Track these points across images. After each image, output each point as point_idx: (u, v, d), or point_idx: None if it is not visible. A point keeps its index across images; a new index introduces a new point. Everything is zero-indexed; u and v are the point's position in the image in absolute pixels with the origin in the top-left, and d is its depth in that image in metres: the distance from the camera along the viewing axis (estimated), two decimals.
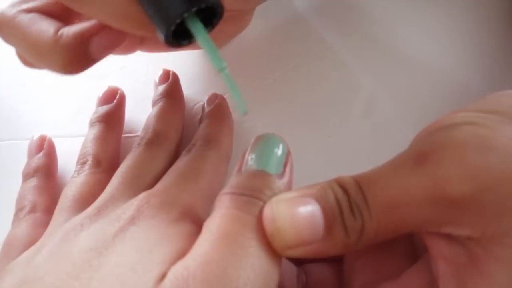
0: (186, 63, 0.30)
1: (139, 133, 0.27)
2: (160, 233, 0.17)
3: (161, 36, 0.16)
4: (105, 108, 0.26)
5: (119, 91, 0.27)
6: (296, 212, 0.15)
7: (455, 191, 0.14)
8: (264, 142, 0.18)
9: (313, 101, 0.28)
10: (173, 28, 0.16)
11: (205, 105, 0.26)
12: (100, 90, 0.28)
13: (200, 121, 0.26)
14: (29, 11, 0.19)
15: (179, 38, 0.17)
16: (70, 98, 0.29)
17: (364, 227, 0.15)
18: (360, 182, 0.15)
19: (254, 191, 0.16)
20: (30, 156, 0.25)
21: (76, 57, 0.19)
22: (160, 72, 0.28)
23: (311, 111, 0.28)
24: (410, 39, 0.30)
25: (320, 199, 0.15)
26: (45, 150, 0.25)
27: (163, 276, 0.15)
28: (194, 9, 0.16)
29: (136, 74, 0.30)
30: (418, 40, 0.30)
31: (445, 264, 0.15)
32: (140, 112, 0.28)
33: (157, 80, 0.27)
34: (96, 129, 0.25)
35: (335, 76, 0.29)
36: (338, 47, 0.30)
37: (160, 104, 0.25)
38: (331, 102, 0.28)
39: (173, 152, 0.24)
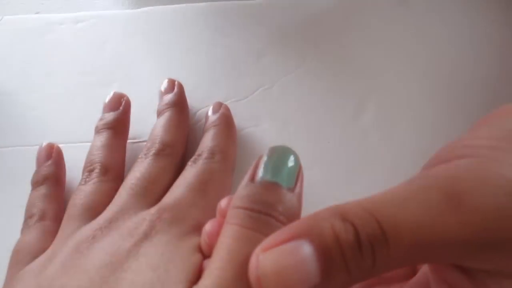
0: (188, 71, 0.31)
1: (142, 139, 0.28)
2: (173, 249, 0.18)
3: None
4: (112, 115, 0.26)
5: (124, 98, 0.28)
6: (283, 266, 0.14)
7: (489, 238, 0.14)
8: (277, 154, 0.18)
9: (311, 106, 0.29)
10: None
11: (209, 113, 0.27)
12: (106, 96, 0.28)
13: (204, 130, 0.26)
14: None
15: None
16: (76, 105, 0.30)
17: (375, 265, 0.14)
18: (378, 218, 0.14)
19: (268, 207, 0.16)
20: (39, 164, 0.25)
21: None
22: (165, 81, 0.28)
23: (309, 116, 0.29)
24: (407, 43, 0.31)
25: (314, 239, 0.14)
26: (53, 158, 0.25)
27: None
28: None
29: (139, 81, 0.31)
30: (416, 44, 0.31)
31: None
32: (143, 118, 0.28)
33: (162, 89, 0.28)
34: (103, 136, 0.25)
35: (334, 81, 0.30)
36: (339, 52, 0.31)
37: (166, 114, 0.26)
38: (329, 107, 0.29)
39: (180, 163, 0.25)
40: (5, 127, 0.29)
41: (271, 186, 0.16)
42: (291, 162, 0.17)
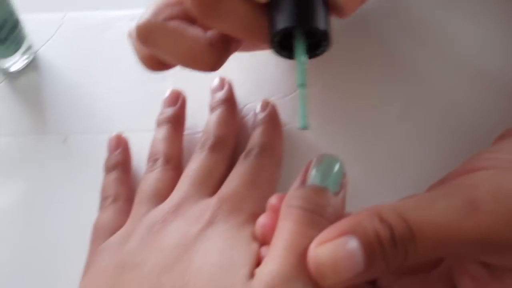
0: (235, 68, 0.33)
1: (197, 131, 0.31)
2: (234, 236, 0.21)
3: (270, 44, 0.19)
4: (171, 110, 0.30)
5: (181, 94, 0.31)
6: (337, 257, 0.17)
7: (502, 239, 0.17)
8: (326, 162, 0.21)
9: (352, 106, 0.31)
10: (282, 27, 0.18)
11: (258, 110, 0.30)
12: (161, 90, 0.31)
13: (254, 126, 0.29)
14: (171, 18, 0.22)
15: (283, 49, 0.20)
16: (135, 98, 0.33)
17: (406, 257, 0.17)
18: (408, 220, 0.17)
19: (319, 207, 0.19)
20: (110, 151, 0.29)
21: (222, 57, 0.22)
22: (216, 79, 0.31)
23: (350, 114, 0.31)
24: (451, 47, 0.33)
25: (360, 235, 0.17)
26: (122, 147, 0.29)
27: (250, 276, 0.19)
28: (304, 26, 0.18)
29: (191, 76, 0.34)
30: (460, 48, 0.33)
31: (469, 279, 0.19)
32: (196, 112, 0.32)
33: (213, 86, 0.31)
34: (164, 130, 0.29)
35: (378, 83, 0.32)
36: (379, 52, 0.33)
37: (219, 110, 0.29)
38: (370, 106, 0.31)
39: (231, 154, 0.28)
40: (73, 117, 0.33)
41: (320, 190, 0.20)
42: (337, 170, 0.21)
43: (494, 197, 0.17)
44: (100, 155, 0.30)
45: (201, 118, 0.31)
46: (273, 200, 0.22)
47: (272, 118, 0.28)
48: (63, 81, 0.35)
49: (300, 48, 0.19)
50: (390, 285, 0.21)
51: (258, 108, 0.30)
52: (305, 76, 0.19)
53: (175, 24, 0.22)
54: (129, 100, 0.33)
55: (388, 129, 0.30)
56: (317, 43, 0.20)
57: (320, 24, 0.19)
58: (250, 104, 0.32)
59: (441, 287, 0.20)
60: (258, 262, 0.20)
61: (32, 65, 0.35)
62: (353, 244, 0.17)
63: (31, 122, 0.33)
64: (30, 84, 0.35)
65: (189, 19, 0.22)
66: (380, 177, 0.29)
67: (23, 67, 0.35)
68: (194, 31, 0.22)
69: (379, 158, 0.30)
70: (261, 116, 0.29)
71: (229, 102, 0.30)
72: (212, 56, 0.22)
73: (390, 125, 0.30)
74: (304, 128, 0.20)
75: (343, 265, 0.17)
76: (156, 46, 0.22)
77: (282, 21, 0.18)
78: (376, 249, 0.17)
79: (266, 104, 0.30)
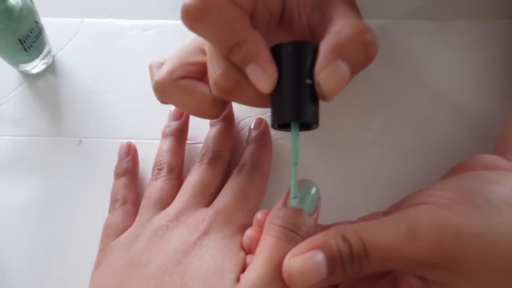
0: None
1: (197, 141, 0.35)
2: (226, 245, 0.25)
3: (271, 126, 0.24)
4: (176, 124, 0.34)
5: None
6: (306, 267, 0.22)
7: (433, 261, 0.21)
8: (305, 186, 0.25)
9: (329, 126, 0.34)
10: (282, 122, 0.24)
11: (252, 126, 0.34)
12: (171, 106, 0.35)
13: (247, 142, 0.33)
14: (184, 77, 0.27)
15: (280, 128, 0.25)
16: (144, 107, 0.37)
17: (360, 269, 0.22)
18: (364, 240, 0.22)
19: (295, 227, 0.24)
20: (120, 158, 0.33)
21: (224, 109, 0.28)
22: None
23: (328, 136, 0.35)
24: (430, 76, 0.36)
25: (325, 251, 0.22)
26: (131, 154, 0.33)
27: (236, 281, 0.23)
28: (299, 121, 0.23)
29: None
30: (438, 78, 0.36)
31: (407, 287, 0.23)
32: (197, 124, 0.35)
33: None
34: (168, 142, 0.33)
35: (354, 105, 0.35)
36: (359, 76, 0.37)
37: (217, 127, 0.33)
38: (347, 130, 0.35)
39: (227, 168, 0.32)
40: (87, 121, 0.37)
41: (298, 212, 0.24)
42: (313, 193, 0.25)
43: (430, 227, 0.22)
44: (110, 158, 0.34)
45: (202, 129, 0.35)
46: (259, 215, 0.26)
47: (263, 137, 0.32)
48: (79, 86, 0.38)
49: (295, 136, 0.24)
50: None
51: (252, 124, 0.34)
52: (297, 156, 0.24)
53: (186, 82, 0.27)
54: (138, 109, 0.37)
55: (363, 151, 0.34)
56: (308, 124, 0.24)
57: (312, 118, 0.23)
58: (246, 120, 0.36)
59: None
60: (243, 268, 0.25)
61: (51, 69, 0.39)
62: (319, 257, 0.22)
63: (49, 124, 0.37)
64: (48, 87, 0.38)
65: (199, 77, 0.27)
66: (355, 194, 0.33)
67: (43, 70, 0.38)
68: (202, 88, 0.27)
69: (355, 177, 0.34)
70: (254, 133, 0.33)
71: (227, 119, 0.33)
72: (215, 109, 0.27)
73: (365, 147, 0.34)
74: (295, 197, 0.25)
75: (310, 273, 0.22)
76: (170, 100, 0.28)
77: (282, 116, 0.23)
78: (337, 261, 0.22)
79: (259, 122, 0.33)
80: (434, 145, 0.34)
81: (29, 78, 0.38)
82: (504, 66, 0.36)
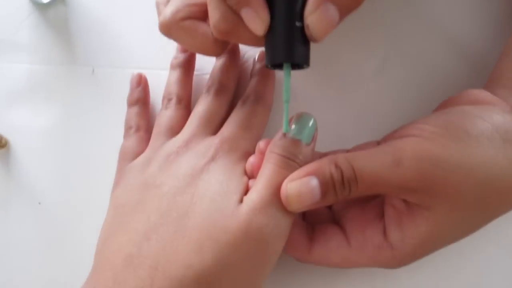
0: None
1: (204, 72, 0.37)
2: (230, 170, 0.28)
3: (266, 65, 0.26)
4: (184, 55, 0.35)
5: None
6: (301, 191, 0.25)
7: (415, 186, 0.24)
8: (303, 118, 0.28)
9: (328, 59, 0.36)
10: (275, 63, 0.25)
11: (256, 60, 0.35)
12: None
13: (251, 74, 0.35)
14: (187, 17, 0.29)
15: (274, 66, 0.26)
16: (153, 37, 0.37)
17: (350, 193, 0.25)
18: (354, 167, 0.24)
19: (293, 155, 0.26)
20: (132, 88, 0.35)
21: (224, 47, 0.30)
22: None
23: (327, 68, 0.36)
24: (432, 10, 0.36)
25: (320, 176, 0.25)
26: (142, 84, 0.35)
27: (240, 202, 0.26)
28: (291, 61, 0.25)
29: None
30: (440, 12, 0.36)
31: (392, 209, 0.27)
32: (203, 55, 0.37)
33: None
34: (177, 73, 0.35)
35: (354, 39, 0.36)
36: (360, 9, 0.37)
37: (223, 59, 0.34)
38: (348, 63, 0.36)
39: (232, 98, 0.34)
40: (99, 50, 0.38)
41: (296, 142, 0.27)
42: (311, 125, 0.27)
43: (412, 157, 0.24)
44: (122, 87, 0.37)
45: (208, 60, 0.36)
46: (261, 144, 0.29)
47: (267, 70, 0.34)
48: (89, 16, 0.39)
49: (287, 76, 0.26)
50: (341, 209, 0.30)
51: (256, 56, 0.35)
52: (289, 94, 0.26)
53: (189, 23, 0.28)
54: (147, 38, 0.38)
55: (362, 84, 0.35)
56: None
57: (302, 59, 0.25)
58: (251, 52, 0.37)
59: (375, 212, 0.28)
60: (246, 191, 0.28)
61: None
62: (314, 182, 0.25)
63: (62, 53, 0.38)
64: (58, 16, 0.39)
65: (201, 17, 0.29)
66: (351, 124, 0.35)
67: None
68: (204, 29, 0.28)
69: (352, 108, 0.35)
70: (258, 66, 0.34)
71: (232, 52, 0.35)
72: (217, 48, 0.29)
73: (366, 80, 0.36)
74: (286, 132, 0.27)
75: (306, 196, 0.25)
76: (175, 39, 0.30)
77: (274, 57, 0.25)
78: (330, 186, 0.25)
79: (263, 55, 0.35)
80: (430, 79, 0.35)
81: (40, 7, 0.39)
82: (503, 1, 0.36)
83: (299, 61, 0.25)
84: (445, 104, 0.29)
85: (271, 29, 0.25)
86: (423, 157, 0.24)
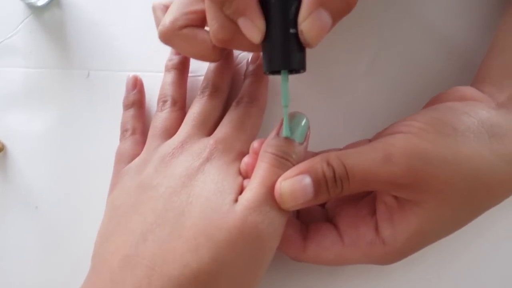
0: None
1: (198, 74, 0.37)
2: (225, 171, 0.29)
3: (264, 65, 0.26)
4: (178, 57, 0.35)
5: None
6: (295, 189, 0.25)
7: (404, 182, 0.25)
8: (296, 118, 0.28)
9: (319, 62, 0.36)
10: (272, 70, 0.26)
11: (249, 61, 0.36)
12: None
13: (245, 75, 0.35)
14: (186, 25, 0.29)
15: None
16: (148, 39, 0.38)
17: (342, 190, 0.25)
18: (346, 165, 0.25)
19: (286, 154, 0.27)
20: (128, 91, 0.36)
21: (222, 54, 0.30)
22: None
23: (319, 68, 0.36)
24: (421, 9, 0.36)
25: (312, 175, 0.25)
26: (138, 87, 0.36)
27: (235, 201, 0.26)
28: (286, 70, 0.25)
29: None
30: (430, 11, 0.36)
31: (384, 205, 0.27)
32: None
33: None
34: (172, 75, 0.35)
35: (344, 37, 0.36)
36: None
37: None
38: (338, 61, 0.36)
39: (226, 99, 0.34)
40: (94, 54, 0.39)
41: (289, 141, 0.27)
42: (303, 125, 0.28)
43: (402, 153, 0.25)
44: (118, 90, 0.37)
45: (202, 62, 0.37)
46: (255, 144, 0.29)
47: (260, 72, 0.34)
48: (84, 19, 0.39)
49: (284, 82, 0.26)
50: (334, 207, 0.30)
51: (250, 58, 0.36)
52: (287, 99, 0.27)
53: (188, 31, 0.29)
54: (142, 41, 0.39)
55: (353, 83, 0.36)
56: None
57: (298, 65, 0.26)
58: (244, 53, 0.38)
59: (367, 209, 0.28)
60: (241, 191, 0.28)
61: (55, 1, 0.40)
62: (307, 180, 0.25)
63: (58, 57, 0.39)
64: (54, 19, 0.40)
65: (200, 24, 0.30)
66: (343, 123, 0.36)
67: (47, 2, 0.40)
68: (203, 36, 0.29)
69: (344, 107, 0.35)
70: (251, 67, 0.35)
71: (226, 54, 0.35)
72: (215, 54, 0.29)
73: (357, 79, 0.36)
74: (287, 135, 0.27)
75: (299, 194, 0.26)
76: (174, 47, 0.31)
77: (272, 65, 0.26)
78: (322, 184, 0.25)
79: (256, 57, 0.35)
80: (419, 77, 0.36)
81: (35, 10, 0.40)
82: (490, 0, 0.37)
83: (296, 68, 0.26)
84: (433, 101, 0.30)
85: (267, 37, 0.25)
86: (412, 153, 0.25)
